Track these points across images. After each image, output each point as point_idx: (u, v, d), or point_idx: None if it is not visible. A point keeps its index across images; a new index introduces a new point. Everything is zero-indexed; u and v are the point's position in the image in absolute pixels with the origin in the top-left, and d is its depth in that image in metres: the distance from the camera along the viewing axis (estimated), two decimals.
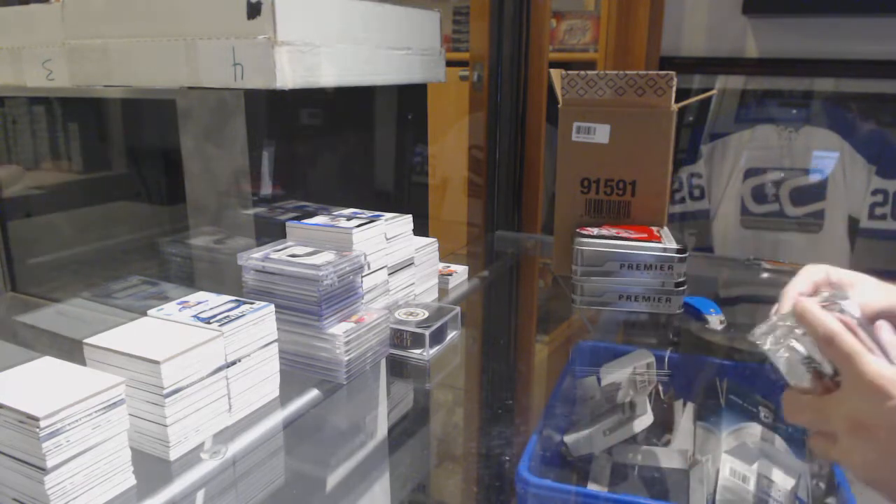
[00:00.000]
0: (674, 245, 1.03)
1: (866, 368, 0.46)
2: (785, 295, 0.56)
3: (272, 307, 0.78)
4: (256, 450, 0.73)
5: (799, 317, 0.51)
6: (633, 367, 0.81)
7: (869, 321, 0.53)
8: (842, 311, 0.50)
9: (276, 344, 0.79)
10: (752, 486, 0.68)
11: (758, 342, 0.54)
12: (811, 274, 0.57)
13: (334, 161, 1.11)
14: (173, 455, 0.67)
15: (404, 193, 1.31)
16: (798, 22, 1.65)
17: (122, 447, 0.61)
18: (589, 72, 1.14)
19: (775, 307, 0.56)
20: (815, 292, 0.56)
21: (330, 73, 0.89)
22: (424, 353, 0.92)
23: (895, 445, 0.45)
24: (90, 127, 1.18)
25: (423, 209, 1.39)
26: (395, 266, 1.00)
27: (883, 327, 0.51)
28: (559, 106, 1.17)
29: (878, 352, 0.48)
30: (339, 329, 0.83)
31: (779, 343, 0.53)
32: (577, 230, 1.09)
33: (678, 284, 1.04)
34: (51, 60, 0.99)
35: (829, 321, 0.49)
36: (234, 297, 0.80)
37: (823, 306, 0.51)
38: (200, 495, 0.65)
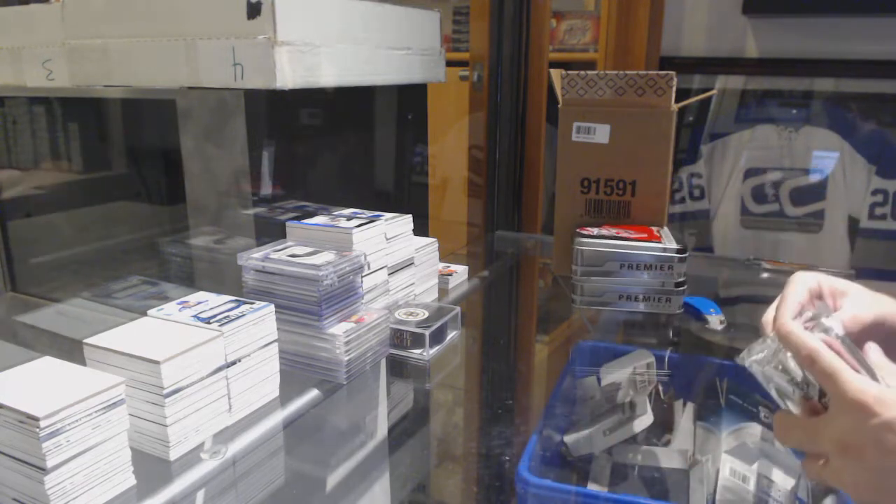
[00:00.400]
0: (674, 245, 1.03)
1: (849, 387, 0.45)
2: (784, 303, 0.54)
3: (272, 307, 0.78)
4: (256, 450, 0.73)
5: (782, 339, 0.51)
6: (633, 367, 0.81)
7: (860, 331, 0.52)
8: (825, 330, 0.50)
9: (276, 344, 0.79)
10: (752, 486, 0.68)
11: (746, 365, 0.54)
12: (804, 282, 0.56)
13: (334, 161, 1.11)
14: (173, 455, 0.67)
15: (404, 193, 1.31)
16: (798, 22, 1.65)
17: (122, 447, 0.61)
18: (589, 72, 1.14)
19: (769, 315, 0.55)
20: (810, 300, 0.56)
21: (330, 73, 0.89)
22: (424, 353, 0.92)
23: (883, 464, 0.44)
24: (90, 127, 1.18)
25: (423, 209, 1.39)
26: (395, 266, 1.00)
27: (871, 348, 0.50)
28: (559, 106, 1.17)
29: (864, 370, 0.48)
30: (339, 329, 0.83)
31: (766, 366, 0.52)
32: (577, 230, 1.09)
33: (678, 284, 1.04)
34: (51, 60, 0.99)
35: (811, 341, 0.49)
36: (234, 297, 0.80)
37: (807, 326, 0.51)
38: (200, 495, 0.65)
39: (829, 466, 0.48)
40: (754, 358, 0.53)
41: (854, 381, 0.46)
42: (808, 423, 0.49)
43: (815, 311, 0.52)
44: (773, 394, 0.53)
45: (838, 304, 0.55)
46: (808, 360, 0.48)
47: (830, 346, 0.48)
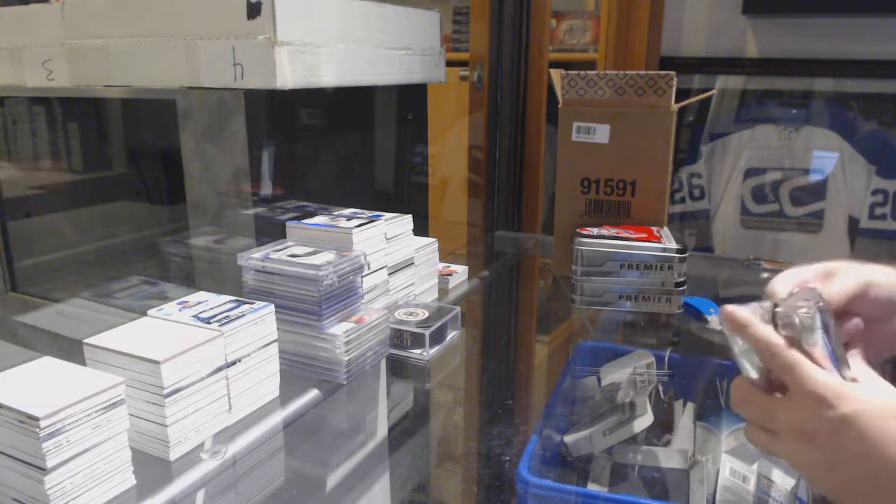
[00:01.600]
0: (674, 245, 1.03)
1: (808, 379, 0.47)
2: (778, 282, 0.55)
3: (272, 307, 0.78)
4: (256, 450, 0.73)
5: (738, 331, 0.51)
6: (633, 367, 0.81)
7: (848, 301, 0.53)
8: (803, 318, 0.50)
9: (276, 344, 0.79)
10: (752, 486, 0.68)
11: (724, 331, 0.55)
12: (784, 281, 0.56)
13: (334, 161, 1.11)
14: (173, 455, 0.67)
15: (404, 193, 1.31)
16: (798, 22, 1.64)
17: (122, 447, 0.61)
18: (589, 72, 1.14)
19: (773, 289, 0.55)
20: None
21: (330, 73, 0.89)
22: (424, 353, 0.92)
23: (836, 453, 0.46)
24: (90, 127, 1.18)
25: (423, 209, 1.39)
26: (395, 266, 1.00)
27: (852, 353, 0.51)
28: (559, 106, 1.17)
29: (835, 359, 0.48)
30: (339, 329, 0.83)
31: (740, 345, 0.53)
32: (577, 230, 1.09)
33: (678, 284, 1.04)
34: (51, 60, 0.99)
35: (769, 334, 0.49)
36: (234, 297, 0.80)
37: (787, 312, 0.51)
38: (200, 495, 0.65)
39: (780, 443, 0.49)
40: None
41: (813, 374, 0.47)
42: (765, 401, 0.50)
43: (801, 294, 0.52)
44: (741, 361, 0.53)
45: (827, 283, 0.56)
46: (767, 352, 0.49)
47: (792, 338, 0.49)
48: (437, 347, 0.96)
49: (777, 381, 0.51)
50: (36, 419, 0.54)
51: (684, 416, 0.82)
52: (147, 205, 1.13)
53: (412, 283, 1.05)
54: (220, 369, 0.71)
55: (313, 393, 0.82)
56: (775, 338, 0.49)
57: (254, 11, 0.79)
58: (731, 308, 0.53)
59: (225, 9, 0.81)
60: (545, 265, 1.52)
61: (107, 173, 1.19)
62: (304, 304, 0.82)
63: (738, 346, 0.53)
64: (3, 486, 0.58)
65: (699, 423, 0.81)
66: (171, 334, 0.70)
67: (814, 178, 1.68)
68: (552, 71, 1.19)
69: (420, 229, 1.06)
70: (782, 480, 0.68)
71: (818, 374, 0.47)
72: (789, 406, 0.48)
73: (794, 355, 0.48)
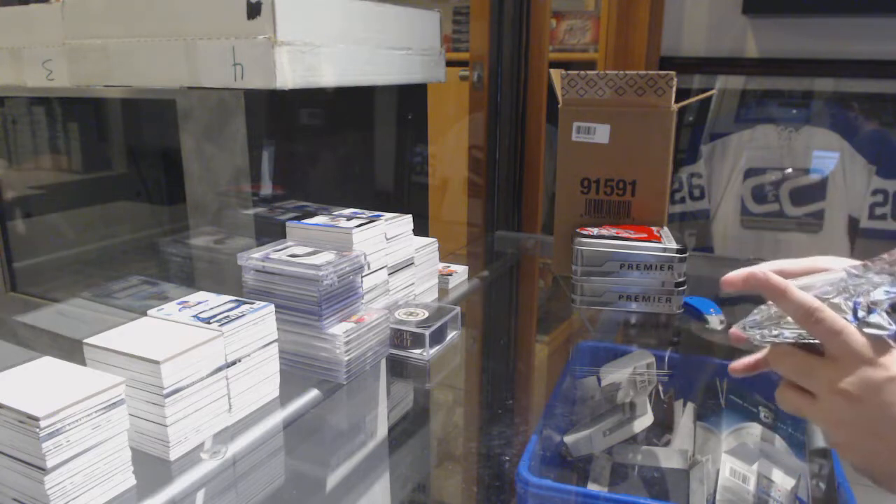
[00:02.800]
0: (674, 245, 1.03)
1: (856, 342, 0.47)
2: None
3: (272, 307, 0.78)
4: (256, 450, 0.73)
5: (778, 298, 0.51)
6: (633, 367, 0.81)
7: None
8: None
9: (276, 344, 0.79)
10: (752, 486, 0.68)
11: (744, 333, 0.55)
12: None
13: (334, 161, 1.11)
14: (173, 455, 0.67)
15: (404, 193, 1.31)
16: (798, 22, 1.64)
17: (122, 447, 0.61)
18: (589, 72, 1.14)
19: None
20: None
21: (330, 73, 0.89)
22: (424, 353, 0.92)
23: (881, 412, 0.46)
24: (90, 127, 1.18)
25: (423, 209, 1.39)
26: (395, 266, 1.00)
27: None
28: (559, 106, 1.17)
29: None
30: (339, 329, 0.83)
31: (767, 337, 0.53)
32: (577, 230, 1.09)
33: (678, 284, 1.04)
34: (51, 60, 0.99)
35: (809, 299, 0.49)
36: (234, 297, 0.80)
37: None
38: (200, 495, 0.65)
39: (816, 404, 0.49)
40: (755, 329, 0.54)
41: (861, 337, 0.47)
42: (806, 359, 0.50)
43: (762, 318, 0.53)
44: (764, 334, 0.53)
45: None
46: (811, 319, 0.49)
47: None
48: (437, 347, 0.96)
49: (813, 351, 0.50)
50: (36, 419, 0.54)
51: (684, 416, 0.82)
52: (147, 205, 1.13)
53: (412, 283, 1.05)
54: (220, 369, 0.71)
55: (313, 393, 0.82)
56: (817, 302, 0.49)
57: (254, 11, 0.79)
58: (767, 273, 0.51)
59: (225, 9, 0.81)
60: (545, 265, 1.52)
61: (107, 173, 1.19)
62: (304, 304, 0.82)
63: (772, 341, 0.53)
64: (3, 486, 0.58)
65: (699, 423, 0.81)
66: (171, 334, 0.70)
67: (814, 178, 1.68)
68: (552, 71, 1.19)
69: (420, 229, 1.06)
70: (782, 480, 0.68)
71: (866, 337, 0.47)
72: (833, 367, 0.48)
73: (840, 319, 0.48)
